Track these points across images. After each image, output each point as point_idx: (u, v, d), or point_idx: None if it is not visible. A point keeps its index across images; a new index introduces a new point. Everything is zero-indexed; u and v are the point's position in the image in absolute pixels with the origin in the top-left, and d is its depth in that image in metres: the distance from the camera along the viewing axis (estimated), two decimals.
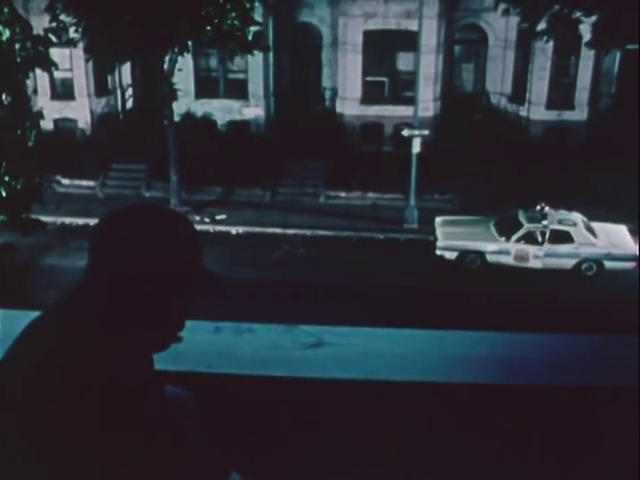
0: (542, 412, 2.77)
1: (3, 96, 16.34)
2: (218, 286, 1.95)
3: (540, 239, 21.49)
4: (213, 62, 29.46)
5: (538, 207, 21.88)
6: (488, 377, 2.86)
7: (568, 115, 29.30)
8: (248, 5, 23.59)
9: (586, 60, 28.36)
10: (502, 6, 25.11)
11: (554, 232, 21.50)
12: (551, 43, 26.68)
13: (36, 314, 1.90)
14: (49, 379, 1.72)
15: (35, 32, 17.23)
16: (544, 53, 28.37)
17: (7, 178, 16.31)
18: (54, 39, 18.11)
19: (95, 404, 1.71)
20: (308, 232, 24.72)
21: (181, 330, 1.94)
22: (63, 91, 29.31)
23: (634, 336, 3.03)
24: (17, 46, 16.58)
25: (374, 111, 29.52)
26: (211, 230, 24.48)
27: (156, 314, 1.87)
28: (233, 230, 24.95)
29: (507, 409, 2.76)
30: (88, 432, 1.70)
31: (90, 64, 27.00)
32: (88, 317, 1.82)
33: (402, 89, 29.43)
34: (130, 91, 30.72)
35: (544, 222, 21.57)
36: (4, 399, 1.76)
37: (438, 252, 22.24)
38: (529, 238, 21.58)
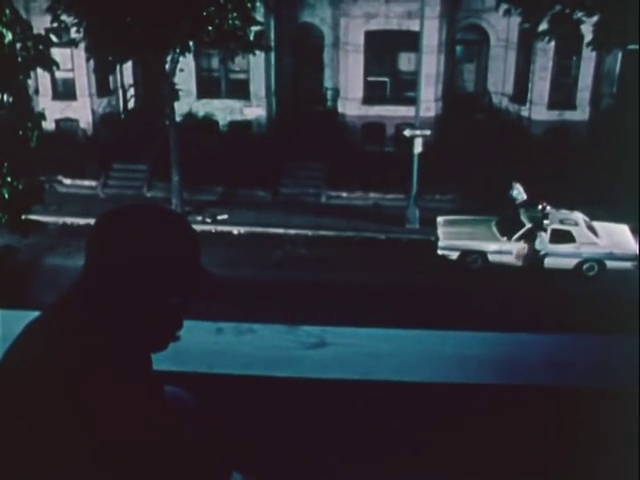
0: (542, 412, 2.77)
1: (5, 96, 16.35)
2: (216, 286, 1.95)
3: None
4: (214, 62, 29.45)
5: (540, 206, 21.87)
6: (488, 377, 2.86)
7: (569, 115, 29.29)
8: (249, 5, 23.60)
9: (587, 60, 28.34)
10: (503, 6, 25.10)
11: (556, 232, 21.50)
12: (552, 43, 26.69)
13: (36, 314, 1.90)
14: (47, 379, 1.73)
15: (36, 32, 17.26)
16: (545, 53, 28.37)
17: (9, 179, 16.32)
18: (55, 39, 18.14)
19: (93, 404, 1.71)
20: (309, 232, 24.72)
21: (179, 330, 1.94)
22: (65, 91, 29.31)
23: (634, 336, 3.03)
24: (18, 46, 16.60)
25: (376, 111, 29.52)
26: (213, 230, 24.49)
27: (153, 314, 1.87)
28: (235, 230, 24.96)
29: (507, 409, 2.77)
30: (87, 432, 1.70)
31: (92, 64, 27.01)
32: (85, 317, 1.83)
33: (404, 89, 29.43)
34: (132, 91, 30.73)
35: (545, 221, 21.56)
36: (3, 400, 1.76)
37: (440, 252, 22.24)
38: (530, 237, 21.59)
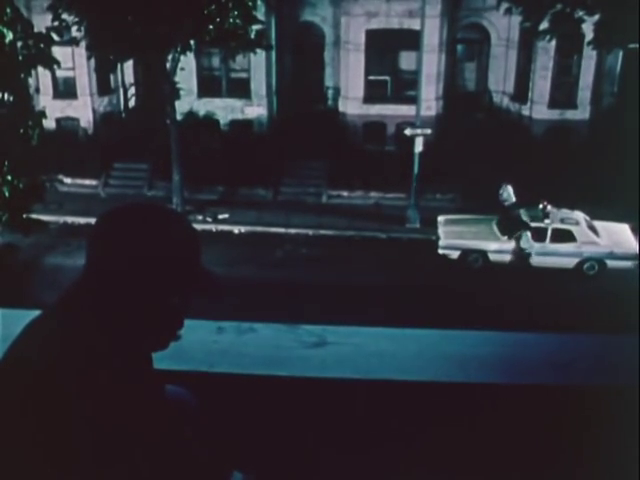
0: (543, 411, 2.77)
1: (6, 95, 16.36)
2: (215, 285, 1.94)
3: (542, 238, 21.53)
4: (215, 61, 29.44)
5: (541, 206, 21.88)
6: (488, 376, 2.87)
7: (570, 114, 29.28)
8: (250, 4, 23.61)
9: (588, 59, 28.33)
10: (504, 5, 25.10)
11: (556, 231, 21.50)
12: (553, 42, 26.67)
13: (36, 314, 1.90)
14: (48, 379, 1.73)
15: (37, 31, 17.27)
16: (546, 52, 28.36)
17: (10, 177, 16.33)
18: (56, 37, 18.15)
19: (93, 404, 1.71)
20: (310, 231, 24.73)
21: (180, 329, 1.94)
22: (65, 90, 29.30)
23: (634, 336, 3.03)
24: (19, 44, 16.60)
25: (376, 110, 29.51)
26: (213, 229, 24.49)
27: (153, 313, 1.86)
28: (235, 229, 24.96)
29: (507, 409, 2.77)
30: (87, 432, 1.70)
31: (92, 63, 27.02)
32: (86, 316, 1.82)
33: (404, 88, 29.42)
34: (132, 90, 30.73)
35: (546, 221, 21.58)
36: (3, 399, 1.76)
37: (440, 251, 22.24)
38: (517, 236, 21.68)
